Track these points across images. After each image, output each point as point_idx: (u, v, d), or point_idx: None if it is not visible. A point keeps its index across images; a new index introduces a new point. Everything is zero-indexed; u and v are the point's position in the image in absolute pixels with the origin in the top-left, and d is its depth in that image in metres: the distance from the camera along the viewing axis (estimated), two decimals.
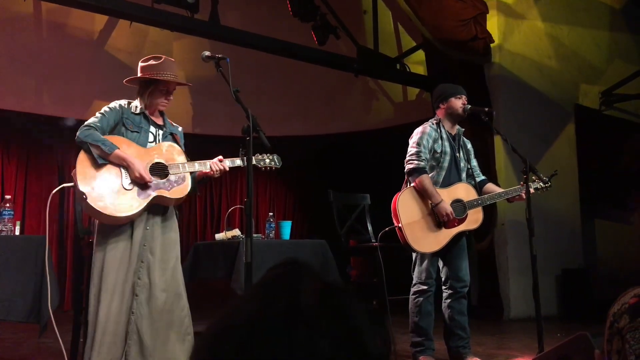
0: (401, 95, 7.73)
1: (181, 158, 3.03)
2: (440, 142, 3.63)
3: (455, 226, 3.53)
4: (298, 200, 8.41)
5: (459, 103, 3.68)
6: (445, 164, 3.62)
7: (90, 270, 2.90)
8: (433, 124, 3.70)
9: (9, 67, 6.22)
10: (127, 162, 2.84)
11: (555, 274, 6.34)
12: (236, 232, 4.12)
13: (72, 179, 2.90)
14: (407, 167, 3.58)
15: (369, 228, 4.58)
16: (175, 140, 3.13)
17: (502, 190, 3.72)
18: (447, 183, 3.61)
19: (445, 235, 3.52)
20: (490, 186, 3.77)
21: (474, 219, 3.61)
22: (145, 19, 5.26)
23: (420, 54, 6.94)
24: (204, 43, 5.94)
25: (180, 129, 3.23)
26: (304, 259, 0.66)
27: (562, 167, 5.15)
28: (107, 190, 2.81)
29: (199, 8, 5.18)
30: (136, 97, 3.07)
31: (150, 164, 2.92)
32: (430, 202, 3.51)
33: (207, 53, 2.76)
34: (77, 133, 2.84)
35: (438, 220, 3.51)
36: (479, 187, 3.73)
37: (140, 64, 3.05)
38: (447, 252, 3.60)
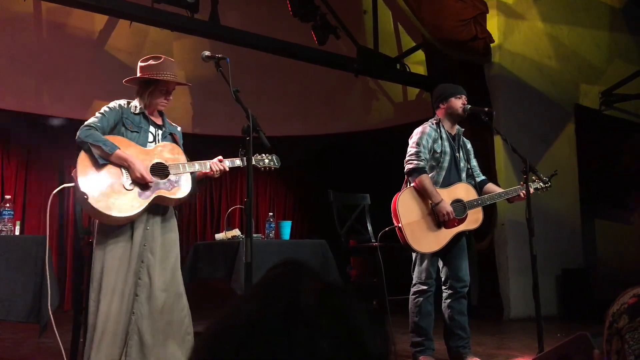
0: (401, 95, 7.73)
1: (181, 158, 3.03)
2: (440, 142, 3.63)
3: (455, 226, 3.53)
4: (298, 200, 8.41)
5: (458, 103, 3.68)
6: (445, 164, 3.62)
7: (90, 270, 2.90)
8: (433, 124, 3.70)
9: (9, 67, 6.22)
10: (128, 162, 2.84)
11: (555, 274, 6.34)
12: (236, 232, 4.12)
13: (72, 179, 2.89)
14: (407, 167, 3.58)
15: (369, 228, 4.58)
16: (175, 140, 3.13)
17: (502, 190, 3.72)
18: (447, 183, 3.61)
19: (445, 235, 3.52)
20: (490, 186, 3.77)
21: (474, 219, 3.61)
22: (145, 19, 5.26)
23: (420, 54, 6.94)
24: (204, 43, 5.94)
25: (179, 128, 3.23)
26: (304, 259, 0.66)
27: (562, 167, 5.15)
28: (108, 191, 2.81)
29: (199, 8, 5.18)
30: (135, 97, 3.07)
31: (151, 164, 2.92)
32: (430, 201, 3.51)
33: (207, 53, 2.76)
34: (78, 133, 2.84)
35: (438, 220, 3.51)
36: (479, 187, 3.73)
37: (140, 64, 3.05)
38: (447, 252, 3.60)
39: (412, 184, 3.56)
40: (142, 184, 2.87)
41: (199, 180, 3.13)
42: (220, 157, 3.09)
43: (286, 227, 4.28)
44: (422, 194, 3.53)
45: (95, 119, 2.90)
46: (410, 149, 3.61)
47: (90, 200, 2.75)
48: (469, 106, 3.68)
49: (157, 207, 2.97)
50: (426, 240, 3.50)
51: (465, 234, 3.67)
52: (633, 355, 0.98)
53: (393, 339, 0.63)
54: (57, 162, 6.70)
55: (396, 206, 3.51)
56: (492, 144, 6.08)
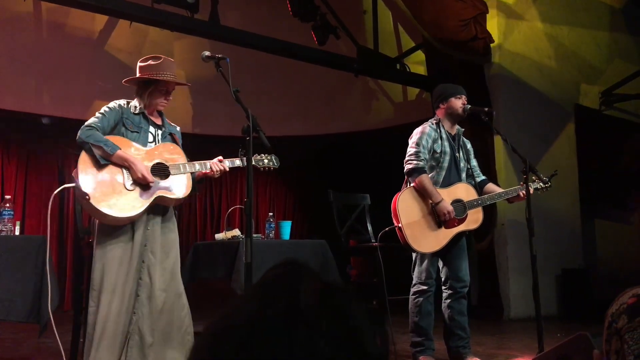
0: (401, 95, 7.73)
1: (182, 158, 3.04)
2: (440, 142, 3.63)
3: (455, 226, 3.53)
4: (298, 200, 8.41)
5: (458, 103, 3.68)
6: (445, 164, 3.62)
7: (90, 270, 2.90)
8: (433, 124, 3.70)
9: (9, 67, 6.22)
10: (129, 162, 2.84)
11: (555, 274, 6.34)
12: (236, 232, 4.12)
13: (72, 179, 2.90)
14: (406, 167, 3.58)
15: (369, 228, 4.58)
16: (174, 140, 3.13)
17: (502, 190, 3.72)
18: (447, 183, 3.61)
19: (445, 235, 3.52)
20: (490, 186, 3.77)
21: (474, 219, 3.61)
22: (145, 19, 5.27)
23: (420, 54, 6.94)
24: (204, 43, 5.94)
25: (178, 128, 3.23)
26: (304, 259, 0.66)
27: (562, 167, 5.15)
28: (109, 191, 2.81)
29: (199, 8, 5.18)
30: (135, 97, 3.07)
31: (152, 165, 2.93)
32: (430, 201, 3.51)
33: (207, 53, 2.76)
34: (79, 133, 2.84)
35: (438, 220, 3.51)
36: (479, 187, 3.73)
37: (139, 64, 3.05)
38: (447, 252, 3.60)
39: (412, 184, 3.56)
40: (143, 184, 2.87)
41: (198, 180, 3.13)
42: (220, 157, 3.09)
43: (286, 227, 4.28)
44: (422, 194, 3.53)
45: (96, 119, 2.90)
46: (410, 149, 3.61)
47: (92, 201, 2.75)
48: (469, 106, 3.68)
49: (158, 207, 2.97)
50: (426, 240, 3.50)
51: (465, 234, 3.67)
52: (632, 355, 0.98)
53: (393, 339, 0.63)
54: (57, 162, 6.71)
55: (396, 206, 3.51)
56: (492, 144, 6.08)
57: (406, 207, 3.51)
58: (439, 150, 3.61)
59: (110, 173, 2.84)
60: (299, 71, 7.01)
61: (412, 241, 3.46)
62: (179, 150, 3.08)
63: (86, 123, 2.88)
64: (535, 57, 6.69)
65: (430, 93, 5.75)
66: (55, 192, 2.99)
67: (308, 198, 8.14)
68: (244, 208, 2.50)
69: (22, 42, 6.29)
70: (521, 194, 3.59)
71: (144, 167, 2.87)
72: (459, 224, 3.54)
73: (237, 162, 3.08)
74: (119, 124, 2.97)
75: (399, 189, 3.61)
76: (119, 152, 2.83)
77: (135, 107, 3.03)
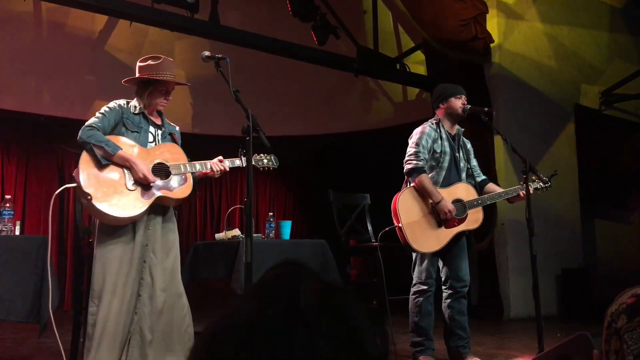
0: (401, 95, 7.73)
1: (182, 158, 3.04)
2: (439, 142, 3.63)
3: (455, 226, 3.53)
4: (298, 200, 8.41)
5: (458, 103, 3.68)
6: (445, 164, 3.62)
7: (90, 270, 2.91)
8: (433, 124, 3.70)
9: (9, 67, 6.22)
10: (131, 162, 2.84)
11: (555, 273, 6.34)
12: (236, 232, 4.12)
13: (72, 179, 2.89)
14: (406, 167, 3.58)
15: (369, 228, 4.58)
16: (174, 140, 3.14)
17: (502, 190, 3.72)
18: (447, 183, 3.61)
19: (446, 235, 3.52)
20: (490, 186, 3.77)
21: (474, 219, 3.61)
22: (145, 19, 5.26)
23: (420, 54, 6.94)
24: (204, 43, 5.94)
25: (177, 128, 3.24)
26: (304, 259, 0.66)
27: (562, 167, 5.15)
28: (110, 191, 2.81)
29: (199, 8, 5.18)
30: (134, 97, 3.07)
31: (152, 165, 2.93)
32: (430, 201, 3.51)
33: (207, 53, 2.76)
34: (80, 133, 2.84)
35: (438, 220, 3.51)
36: (479, 187, 3.73)
37: (139, 64, 3.05)
38: (447, 252, 3.60)
39: (412, 184, 3.56)
40: (144, 184, 2.87)
41: (198, 180, 3.14)
42: (220, 157, 3.09)
43: (286, 227, 4.28)
44: (422, 193, 3.53)
45: (96, 119, 2.90)
46: (410, 149, 3.61)
47: (94, 201, 2.75)
48: (469, 106, 3.68)
49: (158, 207, 2.97)
50: (426, 240, 3.50)
51: (465, 234, 3.67)
52: (632, 355, 0.98)
53: (393, 339, 0.64)
54: (57, 162, 6.71)
55: (396, 206, 3.51)
56: (492, 144, 6.08)
57: (406, 207, 3.51)
58: (439, 150, 3.61)
59: (112, 173, 2.84)
60: (299, 71, 7.01)
61: (412, 241, 3.46)
62: (179, 150, 3.08)
63: (87, 123, 2.88)
64: (535, 57, 6.69)
65: (430, 93, 5.75)
66: (57, 192, 2.99)
67: (308, 198, 8.14)
68: (244, 208, 2.50)
69: (22, 42, 6.29)
70: (521, 193, 3.59)
71: (145, 167, 2.87)
72: (459, 224, 3.55)
73: (237, 162, 3.09)
74: (119, 124, 2.97)
75: (399, 189, 3.61)
76: (120, 152, 2.83)
77: (135, 107, 3.03)
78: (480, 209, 3.64)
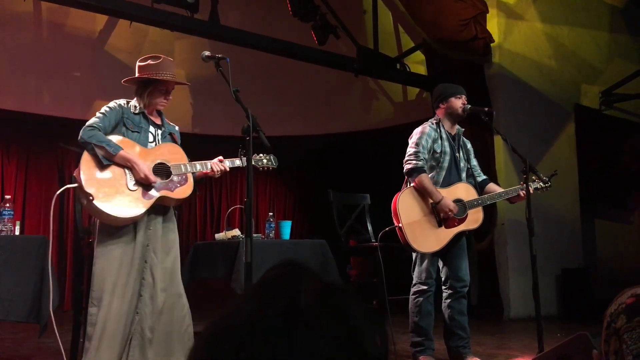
0: (401, 95, 7.73)
1: (183, 158, 3.04)
2: (439, 142, 3.63)
3: (455, 226, 3.54)
4: (298, 200, 8.41)
5: (458, 103, 3.68)
6: (445, 164, 3.62)
7: (90, 270, 2.90)
8: (433, 123, 3.70)
9: (9, 67, 6.22)
10: (132, 163, 2.84)
11: (555, 273, 6.34)
12: (236, 232, 4.12)
13: (72, 179, 2.89)
14: (406, 167, 3.58)
15: (369, 228, 4.58)
16: (174, 140, 3.14)
17: (502, 190, 3.72)
18: (447, 183, 3.61)
19: (446, 235, 3.52)
20: (491, 186, 3.77)
21: (474, 219, 3.61)
22: (145, 19, 5.26)
23: (420, 54, 6.94)
24: (204, 43, 5.94)
25: (177, 128, 3.24)
26: (304, 259, 0.66)
27: (562, 167, 5.15)
28: (112, 191, 2.81)
29: (199, 8, 5.18)
30: (134, 97, 3.07)
31: (153, 165, 2.93)
32: (430, 201, 3.51)
33: (207, 53, 2.76)
34: (81, 133, 2.84)
35: (438, 220, 3.51)
36: (479, 187, 3.73)
37: (139, 64, 3.04)
38: (447, 252, 3.60)
39: (412, 184, 3.56)
40: (145, 185, 2.87)
41: (198, 180, 3.14)
42: (220, 157, 3.09)
43: (286, 227, 4.28)
44: (422, 193, 3.53)
45: (97, 119, 2.90)
46: (410, 149, 3.61)
47: (95, 201, 2.75)
48: (469, 106, 3.68)
49: (159, 207, 2.97)
50: (426, 240, 3.50)
51: (465, 234, 3.67)
52: (631, 355, 0.98)
53: (393, 339, 0.64)
54: (57, 162, 6.71)
55: (396, 206, 3.51)
56: (492, 144, 6.08)
57: (406, 207, 3.51)
58: (439, 150, 3.61)
59: (113, 173, 2.84)
60: (299, 71, 7.01)
61: (412, 241, 3.46)
62: (180, 150, 3.08)
63: (87, 123, 2.88)
64: (535, 57, 6.69)
65: (430, 93, 5.75)
66: (58, 192, 2.99)
67: (308, 198, 8.14)
68: (244, 208, 2.50)
69: (22, 42, 6.29)
70: (521, 193, 3.59)
71: (147, 167, 2.87)
72: (459, 224, 3.55)
73: (237, 162, 3.09)
74: (119, 124, 2.97)
75: (399, 189, 3.61)
76: (121, 152, 2.83)
77: (135, 107, 3.03)
78: (480, 209, 3.64)
